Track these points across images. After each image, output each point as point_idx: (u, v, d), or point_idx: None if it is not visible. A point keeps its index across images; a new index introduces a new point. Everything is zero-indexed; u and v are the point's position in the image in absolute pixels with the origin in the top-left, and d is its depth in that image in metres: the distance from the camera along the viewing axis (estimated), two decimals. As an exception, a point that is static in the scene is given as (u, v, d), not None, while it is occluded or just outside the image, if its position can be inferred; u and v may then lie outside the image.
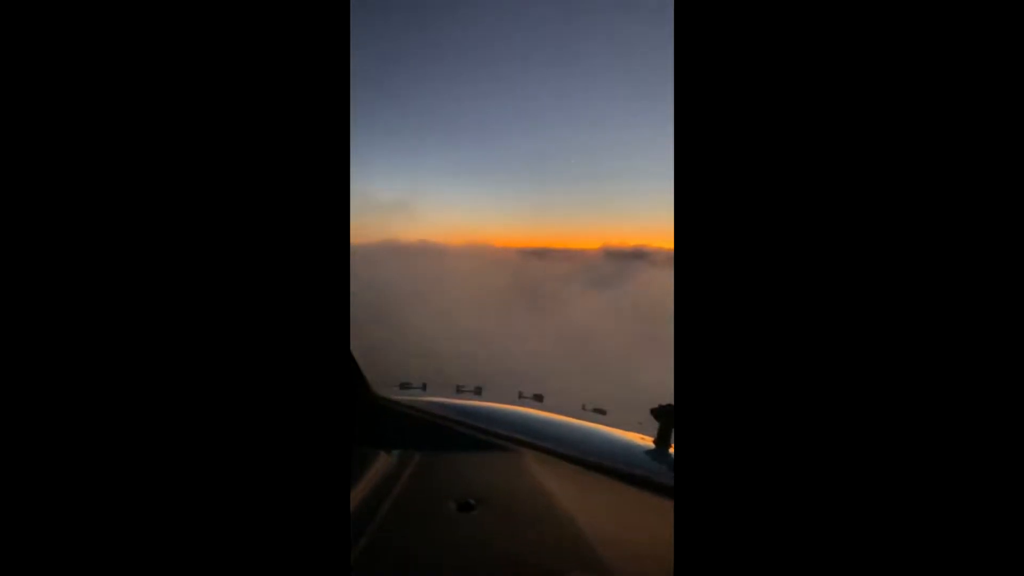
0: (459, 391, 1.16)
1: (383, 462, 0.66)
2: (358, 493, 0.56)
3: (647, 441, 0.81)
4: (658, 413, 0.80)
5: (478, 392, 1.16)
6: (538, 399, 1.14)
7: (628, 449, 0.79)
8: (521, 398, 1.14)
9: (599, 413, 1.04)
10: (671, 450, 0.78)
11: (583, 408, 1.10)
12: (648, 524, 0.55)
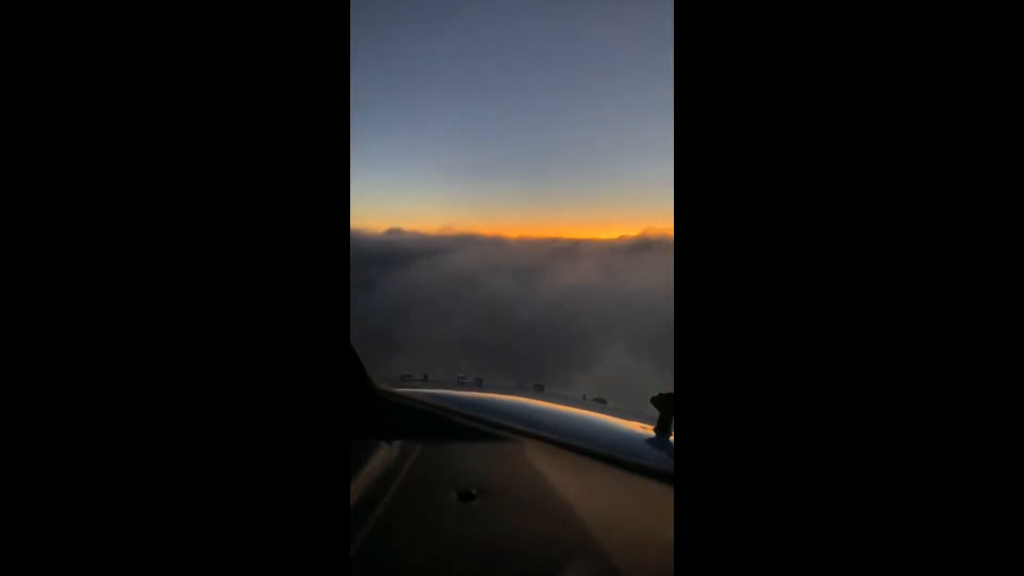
0: (460, 382, 1.16)
1: (384, 453, 0.67)
2: (359, 484, 0.56)
3: (647, 429, 0.82)
4: (658, 401, 0.81)
5: (479, 383, 1.16)
6: (539, 389, 1.15)
7: (628, 437, 0.79)
8: (522, 388, 1.14)
9: (599, 402, 1.04)
10: (671, 438, 0.78)
11: (583, 398, 1.10)
12: (649, 512, 0.56)
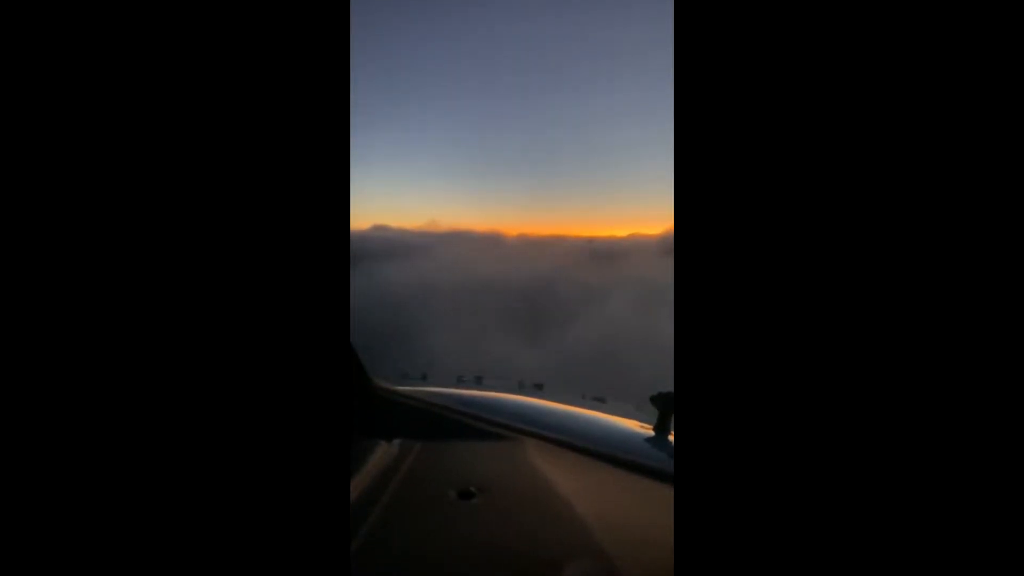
0: (460, 381, 1.16)
1: (384, 452, 0.67)
2: (359, 483, 0.56)
3: (647, 429, 0.82)
4: (657, 400, 0.81)
5: (478, 381, 1.16)
6: (538, 388, 1.15)
7: (628, 437, 0.79)
8: (521, 387, 1.14)
9: (599, 401, 1.05)
10: (671, 437, 0.79)
11: (582, 396, 1.10)
12: (648, 511, 0.56)
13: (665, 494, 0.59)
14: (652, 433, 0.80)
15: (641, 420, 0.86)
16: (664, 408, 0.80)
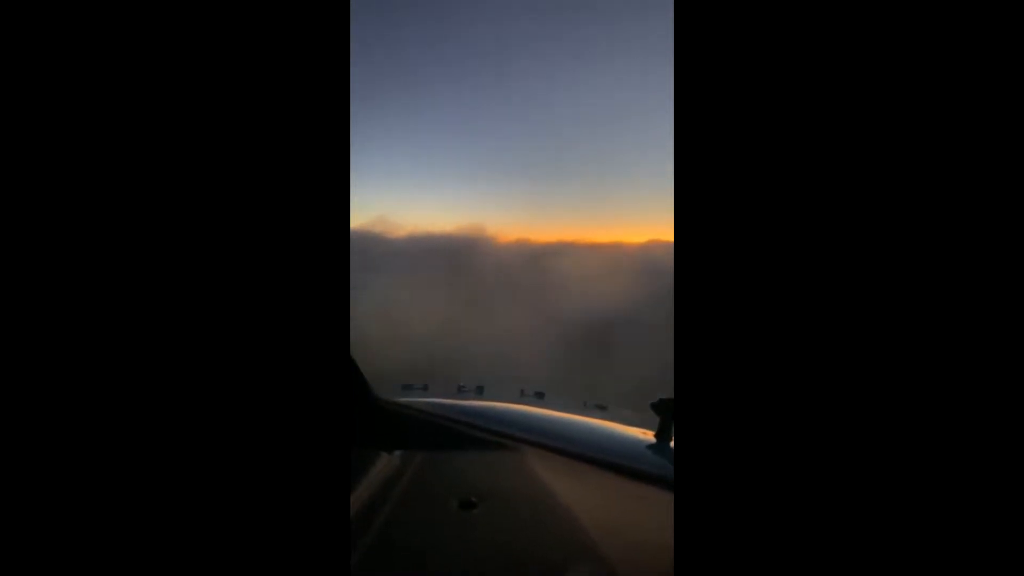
0: (460, 391, 1.16)
1: (385, 463, 0.67)
2: (361, 494, 0.56)
3: (648, 436, 0.82)
4: (658, 407, 0.81)
5: (479, 391, 1.16)
6: (539, 396, 1.14)
7: (629, 444, 0.79)
8: (523, 396, 1.14)
9: (600, 409, 1.04)
10: (672, 444, 0.78)
11: (584, 405, 1.10)
12: (649, 518, 0.56)
13: (667, 501, 0.59)
14: (653, 440, 0.80)
15: (643, 427, 0.86)
16: (665, 414, 0.80)
